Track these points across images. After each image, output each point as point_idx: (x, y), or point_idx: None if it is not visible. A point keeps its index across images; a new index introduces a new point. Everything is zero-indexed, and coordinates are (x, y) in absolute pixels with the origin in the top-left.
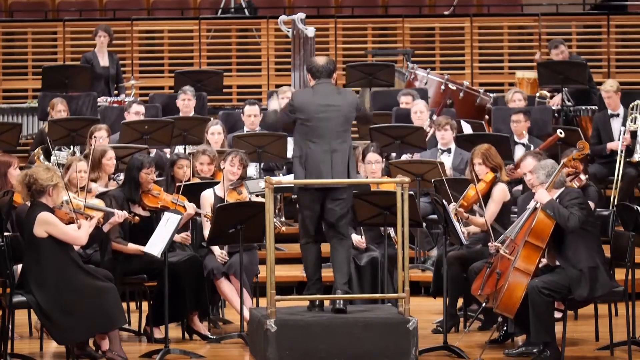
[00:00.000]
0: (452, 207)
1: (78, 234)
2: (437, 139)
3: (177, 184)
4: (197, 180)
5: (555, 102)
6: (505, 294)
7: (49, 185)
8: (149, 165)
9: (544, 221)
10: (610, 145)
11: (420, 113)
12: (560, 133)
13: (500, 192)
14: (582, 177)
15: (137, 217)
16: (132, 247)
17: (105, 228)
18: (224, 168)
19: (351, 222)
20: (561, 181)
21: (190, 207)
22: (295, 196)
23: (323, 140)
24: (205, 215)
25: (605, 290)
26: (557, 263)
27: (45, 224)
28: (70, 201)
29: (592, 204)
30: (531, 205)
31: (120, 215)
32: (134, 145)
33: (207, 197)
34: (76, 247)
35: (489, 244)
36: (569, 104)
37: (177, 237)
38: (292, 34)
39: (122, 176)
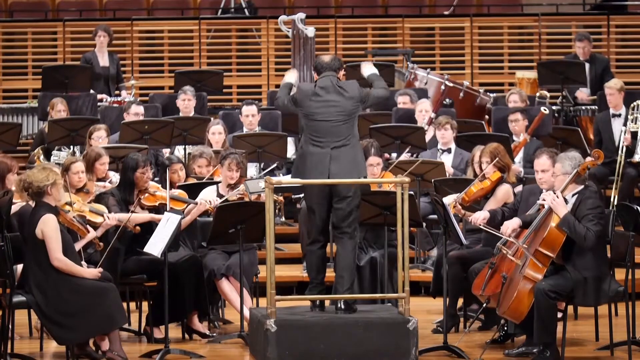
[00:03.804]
0: (451, 200)
1: (58, 256)
2: (437, 138)
3: (177, 185)
4: (192, 180)
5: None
6: (514, 301)
7: (46, 185)
8: (144, 165)
9: (557, 232)
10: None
11: (425, 112)
12: (545, 110)
13: (504, 193)
14: None
15: (137, 227)
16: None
17: (99, 232)
18: (222, 173)
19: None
20: (583, 178)
21: (202, 204)
22: (295, 196)
23: (323, 138)
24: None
25: (606, 300)
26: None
27: (44, 226)
28: (72, 206)
29: None
30: (538, 204)
31: (121, 218)
32: (134, 145)
33: (210, 192)
34: (77, 248)
35: (474, 215)
36: (569, 103)
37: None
38: (292, 34)
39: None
